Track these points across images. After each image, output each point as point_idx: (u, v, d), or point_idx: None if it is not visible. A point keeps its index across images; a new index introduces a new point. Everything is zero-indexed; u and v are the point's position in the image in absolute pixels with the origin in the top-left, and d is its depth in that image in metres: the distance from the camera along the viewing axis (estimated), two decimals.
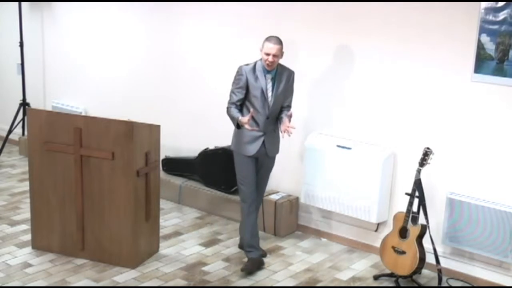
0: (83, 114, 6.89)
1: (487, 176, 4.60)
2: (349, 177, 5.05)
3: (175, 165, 6.25)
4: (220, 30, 5.92)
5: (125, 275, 4.66)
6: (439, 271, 4.60)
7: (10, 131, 7.19)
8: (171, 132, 5.91)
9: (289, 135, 4.56)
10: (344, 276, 4.83)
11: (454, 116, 4.71)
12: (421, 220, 4.57)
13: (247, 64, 4.64)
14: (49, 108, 7.24)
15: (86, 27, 6.95)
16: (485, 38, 4.46)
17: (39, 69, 7.50)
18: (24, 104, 7.18)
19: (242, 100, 4.64)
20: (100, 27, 6.83)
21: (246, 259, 4.90)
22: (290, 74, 4.72)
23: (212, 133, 5.98)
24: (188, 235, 5.42)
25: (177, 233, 5.45)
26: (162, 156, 5.42)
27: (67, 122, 4.67)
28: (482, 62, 4.50)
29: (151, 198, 4.83)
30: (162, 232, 5.30)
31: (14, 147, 7.53)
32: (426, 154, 4.53)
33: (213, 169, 5.90)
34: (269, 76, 4.61)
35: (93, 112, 6.79)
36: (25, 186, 5.86)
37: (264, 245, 5.08)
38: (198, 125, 6.19)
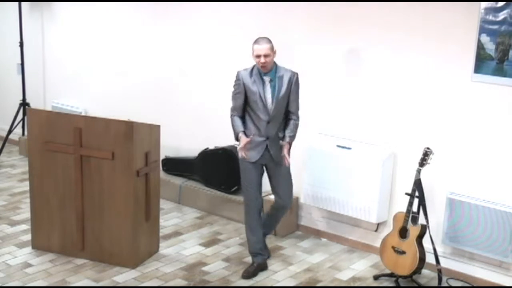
0: (83, 114, 6.89)
1: (487, 176, 4.60)
2: (349, 177, 5.05)
3: (175, 165, 6.25)
4: (220, 30, 5.92)
5: (125, 275, 4.66)
6: (439, 271, 4.60)
7: (10, 131, 7.19)
8: (171, 132, 5.91)
9: (287, 165, 4.56)
10: (344, 276, 4.83)
11: (454, 116, 4.71)
12: (421, 220, 4.57)
13: (245, 69, 4.57)
14: (49, 108, 7.24)
15: (86, 27, 6.95)
16: (485, 38, 4.46)
17: (39, 69, 7.50)
18: (24, 104, 7.18)
19: (243, 105, 4.57)
20: (100, 27, 6.83)
21: (246, 259, 4.90)
22: (292, 76, 4.54)
23: (212, 133, 5.98)
24: (188, 235, 5.42)
25: (177, 233, 5.45)
26: (162, 156, 5.42)
27: (67, 122, 4.67)
28: (482, 62, 4.50)
29: (151, 198, 4.83)
30: (162, 232, 5.30)
31: (14, 147, 7.53)
32: (426, 154, 4.53)
33: (213, 169, 5.90)
34: (267, 79, 4.50)
35: (93, 112, 6.79)
36: (25, 186, 5.86)
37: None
38: (198, 125, 6.19)
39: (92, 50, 6.95)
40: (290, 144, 4.59)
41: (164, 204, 5.81)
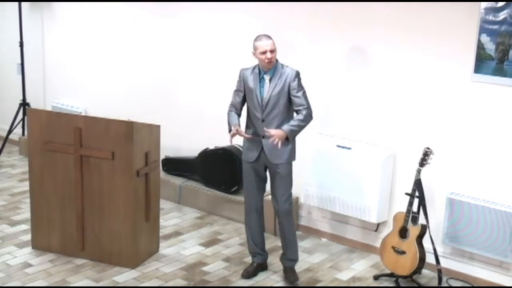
0: (83, 114, 6.89)
1: (487, 176, 4.60)
2: (349, 177, 5.05)
3: (175, 165, 6.25)
4: (221, 30, 5.92)
5: (125, 275, 4.66)
6: (439, 271, 4.60)
7: (10, 131, 7.19)
8: (171, 132, 5.91)
9: (274, 143, 4.30)
10: (344, 276, 4.83)
11: (454, 116, 4.71)
12: (421, 220, 4.57)
13: (247, 68, 4.54)
14: (49, 108, 7.24)
15: (86, 27, 6.95)
16: (485, 38, 4.46)
17: (39, 69, 7.50)
18: (24, 104, 7.18)
19: (241, 103, 4.57)
20: (100, 27, 6.83)
21: (246, 259, 4.90)
22: (291, 73, 4.39)
23: (212, 133, 5.98)
24: (188, 235, 5.42)
25: (177, 233, 5.45)
26: (162, 156, 5.42)
27: (67, 122, 4.67)
28: (482, 62, 4.50)
29: (151, 198, 4.83)
30: (162, 232, 5.30)
31: (14, 147, 7.52)
32: (426, 154, 4.54)
33: (213, 169, 5.90)
34: (267, 77, 4.43)
35: (93, 112, 6.79)
36: (25, 186, 5.86)
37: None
38: (198, 125, 6.19)
39: (92, 50, 6.95)
40: (286, 133, 4.33)
41: (164, 204, 5.81)
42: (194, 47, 6.12)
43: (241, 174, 5.65)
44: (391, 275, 4.72)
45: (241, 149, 5.65)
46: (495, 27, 4.41)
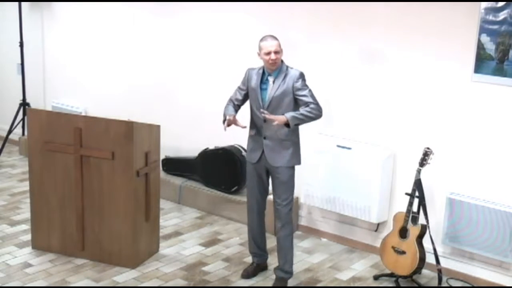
0: (83, 114, 6.89)
1: (487, 176, 4.60)
2: (349, 177, 5.05)
3: (175, 165, 6.25)
4: (220, 30, 5.92)
5: (125, 275, 4.66)
6: (439, 271, 4.60)
7: (10, 131, 7.19)
8: (171, 132, 5.91)
9: (271, 120, 4.22)
10: (344, 276, 4.83)
11: (454, 116, 4.71)
12: (421, 220, 4.57)
13: (254, 68, 4.50)
14: (49, 108, 7.24)
15: (86, 27, 6.95)
16: (485, 38, 4.46)
17: (39, 69, 7.50)
18: (24, 104, 7.18)
19: (241, 101, 4.56)
20: (100, 27, 6.83)
21: (246, 259, 4.90)
22: (295, 74, 4.33)
23: (212, 133, 5.97)
24: (188, 235, 5.42)
25: (177, 233, 5.45)
26: (162, 156, 5.42)
27: (67, 122, 4.67)
28: (482, 62, 4.50)
29: (151, 198, 4.83)
30: (162, 232, 5.30)
31: (14, 147, 7.52)
32: (426, 154, 4.54)
33: (213, 169, 5.90)
34: (270, 79, 4.38)
35: (93, 112, 6.79)
36: (25, 186, 5.86)
37: None
38: (198, 125, 6.19)
39: (92, 50, 6.95)
40: (287, 118, 4.22)
41: (164, 204, 5.81)
42: (194, 47, 6.12)
43: (241, 174, 5.68)
44: (391, 275, 4.72)
45: (241, 149, 5.69)
46: (495, 27, 4.41)
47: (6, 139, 7.29)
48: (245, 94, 4.54)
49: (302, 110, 4.29)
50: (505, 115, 4.49)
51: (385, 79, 5.00)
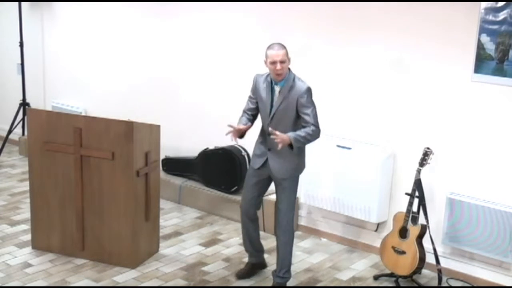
0: (83, 114, 6.89)
1: (487, 176, 4.61)
2: (349, 177, 5.05)
3: (175, 165, 6.25)
4: (220, 30, 5.92)
5: (125, 275, 4.66)
6: (439, 271, 4.60)
7: (10, 131, 7.19)
8: (171, 132, 5.91)
9: (276, 140, 4.11)
10: (344, 276, 4.83)
11: (454, 116, 4.71)
12: (421, 220, 4.57)
13: (262, 74, 4.34)
14: (49, 108, 7.24)
15: (86, 27, 6.95)
16: (485, 38, 4.46)
17: (39, 69, 7.50)
18: (24, 104, 7.18)
19: (254, 109, 4.42)
20: (100, 27, 6.83)
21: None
22: (301, 88, 4.18)
23: (212, 133, 5.98)
24: (188, 235, 5.42)
25: (177, 233, 5.45)
26: (162, 156, 5.42)
27: (67, 122, 4.67)
28: (482, 62, 4.50)
29: (151, 198, 4.83)
30: (162, 232, 5.30)
31: (14, 147, 7.52)
32: (426, 154, 4.54)
33: (213, 169, 5.90)
34: (277, 88, 4.24)
35: (93, 112, 6.79)
36: (25, 186, 5.86)
37: (264, 245, 5.05)
38: (198, 125, 6.19)
39: (92, 50, 6.95)
40: (290, 140, 4.14)
41: (164, 204, 5.81)
42: (194, 48, 6.12)
43: (241, 174, 5.68)
44: (391, 275, 4.72)
45: (241, 149, 5.69)
46: (495, 27, 4.41)
47: (6, 139, 7.30)
48: (257, 102, 4.40)
49: (304, 132, 4.19)
50: (505, 115, 4.49)
51: (384, 79, 5.00)
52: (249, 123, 4.41)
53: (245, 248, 4.76)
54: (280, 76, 4.19)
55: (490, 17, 4.42)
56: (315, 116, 4.24)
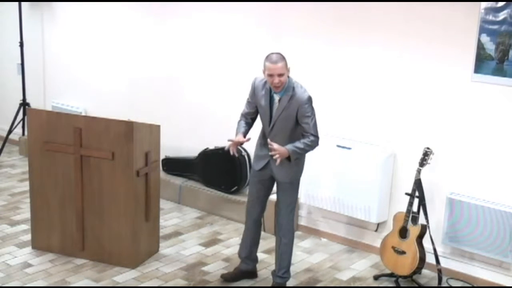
0: (83, 114, 6.89)
1: (487, 176, 4.61)
2: (349, 177, 5.05)
3: (175, 165, 6.25)
4: (220, 30, 5.92)
5: (125, 275, 4.66)
6: (439, 271, 4.60)
7: (10, 131, 7.19)
8: (171, 132, 5.91)
9: (274, 157, 4.13)
10: (344, 276, 4.83)
11: (454, 116, 4.71)
12: (421, 220, 4.57)
13: (261, 79, 4.27)
14: (49, 108, 7.24)
15: (86, 27, 6.95)
16: (485, 38, 4.46)
17: (39, 69, 7.50)
18: (24, 104, 7.18)
19: (253, 114, 4.40)
20: (100, 27, 6.83)
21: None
22: (302, 98, 4.13)
23: (212, 133, 5.98)
24: (188, 235, 5.42)
25: (177, 233, 5.45)
26: (162, 156, 5.42)
27: (67, 122, 4.67)
28: (482, 62, 4.50)
29: (151, 198, 4.83)
30: (162, 232, 5.31)
31: (14, 147, 7.52)
32: (426, 154, 4.54)
33: (213, 169, 5.90)
34: (276, 97, 4.19)
35: (93, 112, 6.79)
36: (25, 186, 5.86)
37: (264, 245, 5.07)
38: (198, 125, 6.19)
39: (92, 50, 6.95)
40: (289, 152, 4.15)
41: (164, 204, 5.81)
42: (194, 48, 6.12)
43: (241, 174, 5.68)
44: (391, 275, 4.72)
45: (241, 149, 5.69)
46: (495, 27, 4.41)
47: (6, 139, 7.30)
48: (256, 107, 4.37)
49: (302, 143, 4.18)
50: (505, 115, 4.49)
51: (385, 79, 5.00)
52: (248, 137, 4.36)
53: (239, 253, 4.69)
54: (278, 88, 4.14)
55: (490, 17, 4.42)
56: (314, 125, 4.21)
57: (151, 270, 4.77)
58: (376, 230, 5.18)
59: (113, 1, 6.60)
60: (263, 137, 4.39)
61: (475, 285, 4.72)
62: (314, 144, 4.24)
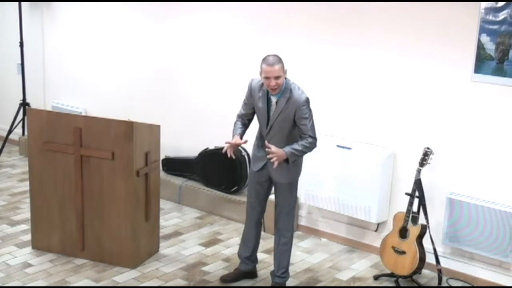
0: (83, 114, 6.89)
1: (487, 176, 4.61)
2: (349, 177, 5.05)
3: (175, 165, 6.25)
4: (220, 30, 5.92)
5: (125, 275, 4.66)
6: (439, 271, 4.60)
7: (10, 131, 7.19)
8: (171, 132, 5.91)
9: (271, 160, 4.12)
10: (344, 276, 4.83)
11: (454, 116, 4.71)
12: (421, 220, 4.57)
13: (258, 80, 4.24)
14: (49, 108, 7.24)
15: (86, 27, 6.95)
16: (485, 38, 4.46)
17: (39, 69, 7.50)
18: (24, 104, 7.18)
19: (249, 115, 4.39)
20: (100, 27, 6.83)
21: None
22: (299, 100, 4.11)
23: (212, 133, 5.98)
24: (188, 235, 5.42)
25: (177, 233, 5.45)
26: (162, 156, 5.42)
27: (67, 122, 4.67)
28: (482, 62, 4.50)
29: (151, 198, 4.83)
30: (162, 232, 5.31)
31: (14, 147, 7.53)
32: (426, 154, 4.54)
33: (213, 169, 5.90)
34: (273, 99, 4.17)
35: (93, 112, 6.79)
36: (25, 186, 5.86)
37: (264, 245, 5.07)
38: (198, 125, 6.19)
39: (92, 50, 6.95)
40: (287, 155, 4.14)
41: (164, 204, 5.81)
42: (194, 48, 6.12)
43: (241, 174, 5.68)
44: (391, 275, 4.72)
45: (241, 149, 5.69)
46: (495, 27, 4.41)
47: (6, 139, 7.30)
48: (253, 108, 4.36)
49: (300, 145, 4.17)
50: (505, 115, 4.49)
51: (385, 79, 5.00)
52: (245, 139, 4.34)
53: (239, 254, 4.69)
54: (275, 91, 4.12)
55: (490, 17, 4.42)
56: (312, 127, 4.20)
57: (151, 270, 4.77)
58: (376, 230, 5.18)
59: (113, 1, 6.60)
60: (260, 138, 4.38)
61: (475, 285, 4.72)
62: (312, 145, 4.23)
